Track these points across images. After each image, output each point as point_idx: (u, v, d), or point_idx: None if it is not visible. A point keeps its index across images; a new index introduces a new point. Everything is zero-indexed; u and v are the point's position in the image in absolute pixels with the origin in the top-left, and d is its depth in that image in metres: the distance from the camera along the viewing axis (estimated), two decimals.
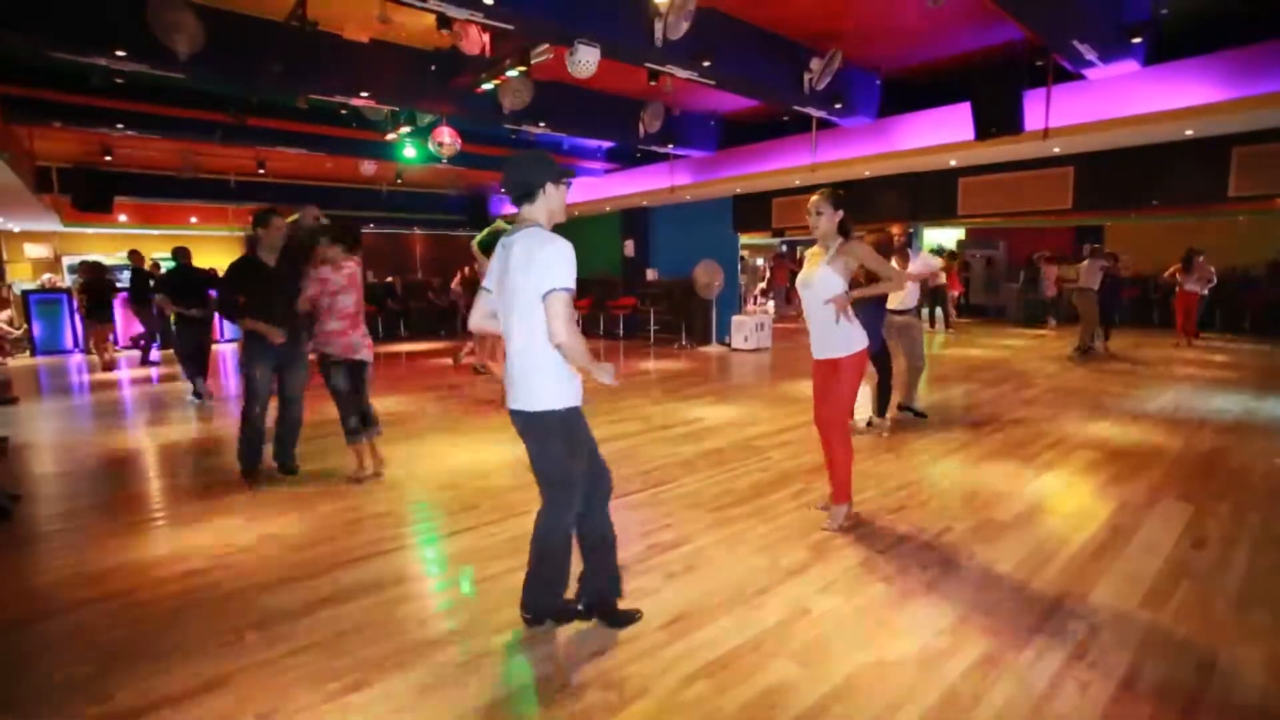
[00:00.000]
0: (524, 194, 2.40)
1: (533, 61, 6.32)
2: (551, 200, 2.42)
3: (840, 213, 3.47)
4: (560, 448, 2.43)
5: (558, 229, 2.46)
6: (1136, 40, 6.08)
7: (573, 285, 2.27)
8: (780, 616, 2.73)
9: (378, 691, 2.29)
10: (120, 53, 5.50)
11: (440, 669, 2.40)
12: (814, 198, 3.50)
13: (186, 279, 7.48)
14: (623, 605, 2.72)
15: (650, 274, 13.51)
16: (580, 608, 2.66)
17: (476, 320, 2.60)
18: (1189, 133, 7.13)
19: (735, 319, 11.52)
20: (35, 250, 14.80)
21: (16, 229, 14.30)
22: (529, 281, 2.28)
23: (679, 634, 2.61)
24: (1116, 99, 6.76)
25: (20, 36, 5.23)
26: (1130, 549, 3.33)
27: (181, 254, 7.52)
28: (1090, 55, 6.06)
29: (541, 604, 2.62)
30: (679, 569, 3.18)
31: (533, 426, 2.42)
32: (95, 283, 9.99)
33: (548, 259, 2.24)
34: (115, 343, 12.67)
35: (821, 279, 3.47)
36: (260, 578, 3.16)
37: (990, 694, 2.22)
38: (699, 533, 3.61)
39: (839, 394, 3.56)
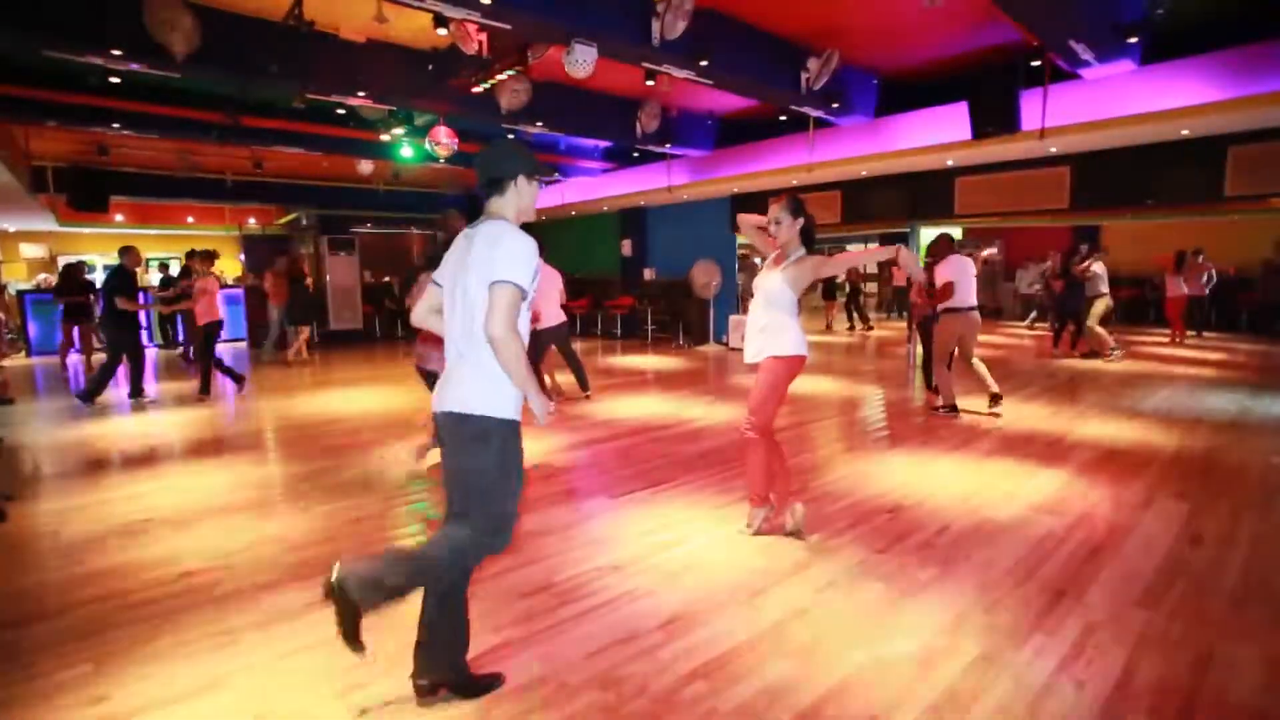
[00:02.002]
0: (494, 184, 2.20)
1: (530, 61, 6.32)
2: (523, 195, 2.22)
3: (800, 220, 3.39)
4: (492, 462, 2.10)
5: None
6: (1132, 40, 6.10)
7: (525, 285, 2.05)
8: (778, 616, 2.74)
9: (377, 691, 2.29)
10: (116, 52, 5.49)
11: None
12: (772, 207, 3.41)
13: (129, 280, 7.27)
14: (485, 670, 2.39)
15: (648, 273, 13.51)
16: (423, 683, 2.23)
17: (421, 315, 2.38)
18: (1185, 132, 7.16)
19: (733, 319, 11.53)
20: (31, 250, 14.78)
21: (12, 229, 14.27)
22: (485, 271, 2.06)
23: (676, 634, 2.62)
24: (1112, 99, 6.79)
25: (15, 35, 5.22)
26: (1127, 548, 3.35)
27: (125, 253, 7.25)
28: (1086, 55, 6.08)
29: (440, 669, 2.24)
30: (677, 569, 3.18)
31: (462, 432, 2.10)
32: (66, 284, 9.91)
33: (510, 250, 2.05)
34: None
35: (774, 286, 3.37)
36: (260, 578, 3.16)
37: (988, 693, 2.23)
38: (697, 532, 3.62)
39: (759, 396, 3.39)
